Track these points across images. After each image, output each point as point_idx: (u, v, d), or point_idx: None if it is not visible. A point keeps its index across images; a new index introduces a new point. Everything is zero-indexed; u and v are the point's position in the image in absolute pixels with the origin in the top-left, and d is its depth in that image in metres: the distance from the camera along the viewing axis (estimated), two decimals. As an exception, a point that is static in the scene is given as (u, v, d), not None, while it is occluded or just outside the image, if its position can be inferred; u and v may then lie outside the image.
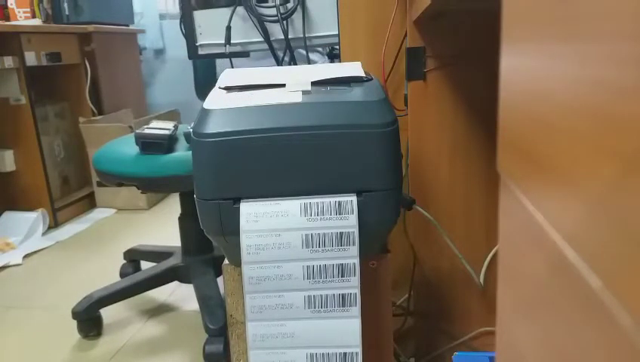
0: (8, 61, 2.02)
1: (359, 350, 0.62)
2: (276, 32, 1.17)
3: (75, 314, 1.36)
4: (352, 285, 0.61)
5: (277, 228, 0.61)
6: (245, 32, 1.19)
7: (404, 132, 0.91)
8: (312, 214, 0.61)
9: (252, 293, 0.62)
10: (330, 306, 0.62)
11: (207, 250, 1.47)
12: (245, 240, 0.61)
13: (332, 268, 0.61)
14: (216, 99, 0.66)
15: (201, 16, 1.20)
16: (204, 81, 1.75)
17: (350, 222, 0.60)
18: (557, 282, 0.19)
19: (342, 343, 0.62)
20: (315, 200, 0.61)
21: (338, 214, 0.60)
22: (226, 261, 0.72)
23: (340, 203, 0.61)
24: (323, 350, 0.62)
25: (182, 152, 1.26)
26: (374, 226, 0.62)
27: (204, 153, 0.62)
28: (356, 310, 0.62)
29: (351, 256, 0.61)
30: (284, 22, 1.15)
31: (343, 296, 0.61)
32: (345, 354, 0.62)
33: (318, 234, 0.60)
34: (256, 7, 1.15)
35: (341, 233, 0.60)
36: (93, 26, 2.45)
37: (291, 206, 0.61)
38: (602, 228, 0.15)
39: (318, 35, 1.16)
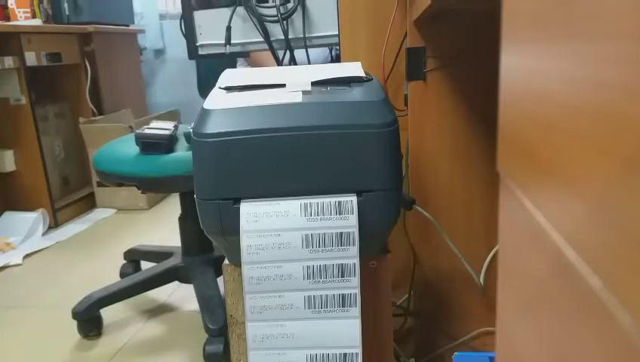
0: (8, 61, 2.02)
1: (359, 350, 0.62)
2: (276, 32, 1.17)
3: (75, 314, 1.36)
4: (352, 285, 0.61)
5: (277, 228, 0.61)
6: (245, 32, 1.19)
7: (404, 132, 0.91)
8: (312, 214, 0.61)
9: (252, 293, 0.62)
10: (330, 306, 0.61)
11: (207, 250, 1.47)
12: (245, 240, 0.61)
13: (332, 268, 0.61)
14: (216, 100, 0.66)
15: (201, 17, 1.20)
16: (207, 80, 1.75)
17: (350, 222, 0.60)
18: (557, 282, 0.19)
19: (342, 344, 0.62)
20: (315, 200, 0.61)
21: (338, 214, 0.60)
22: (226, 261, 0.72)
23: (340, 203, 0.61)
24: (323, 350, 0.62)
25: (182, 152, 1.26)
26: (374, 226, 0.62)
27: (204, 153, 0.62)
28: (356, 310, 0.62)
29: (351, 256, 0.61)
30: (284, 22, 1.15)
31: (343, 296, 0.61)
32: (345, 354, 0.62)
33: (318, 234, 0.60)
34: (257, 8, 1.15)
35: (341, 233, 0.60)
36: (93, 26, 2.45)
37: (291, 206, 0.61)
38: (602, 228, 0.15)
39: (318, 35, 1.16)
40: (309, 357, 0.62)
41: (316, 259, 0.61)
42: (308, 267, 0.61)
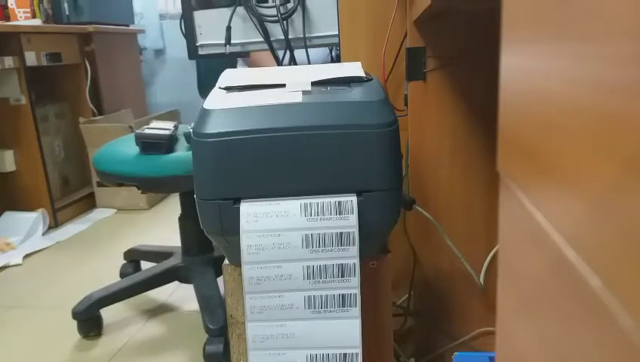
0: (8, 61, 2.02)
1: (359, 351, 0.62)
2: (276, 32, 1.17)
3: (75, 314, 1.36)
4: (352, 285, 0.61)
5: (277, 228, 0.61)
6: (245, 32, 1.19)
7: (404, 132, 0.91)
8: (312, 214, 0.60)
9: (252, 293, 0.62)
10: (331, 306, 0.61)
11: (207, 250, 1.47)
12: (245, 240, 0.61)
13: (332, 268, 0.61)
14: (217, 100, 0.66)
15: (201, 17, 1.20)
16: (207, 80, 1.75)
17: (350, 222, 0.60)
18: (557, 282, 0.19)
19: (342, 344, 0.62)
20: (315, 200, 0.61)
21: (338, 214, 0.60)
22: (226, 261, 0.72)
23: (340, 203, 0.61)
24: (323, 351, 0.62)
25: (182, 152, 1.26)
26: (374, 226, 0.62)
27: (204, 153, 0.62)
28: (356, 310, 0.62)
29: (351, 256, 0.61)
30: (284, 22, 1.15)
31: (343, 296, 0.61)
32: (345, 354, 0.62)
33: (318, 234, 0.60)
34: (257, 7, 1.15)
35: (341, 233, 0.60)
36: (93, 26, 2.45)
37: (291, 206, 0.61)
38: (602, 227, 0.15)
39: (318, 35, 1.16)
40: (309, 357, 0.62)
41: (316, 259, 0.61)
42: (308, 267, 0.61)
